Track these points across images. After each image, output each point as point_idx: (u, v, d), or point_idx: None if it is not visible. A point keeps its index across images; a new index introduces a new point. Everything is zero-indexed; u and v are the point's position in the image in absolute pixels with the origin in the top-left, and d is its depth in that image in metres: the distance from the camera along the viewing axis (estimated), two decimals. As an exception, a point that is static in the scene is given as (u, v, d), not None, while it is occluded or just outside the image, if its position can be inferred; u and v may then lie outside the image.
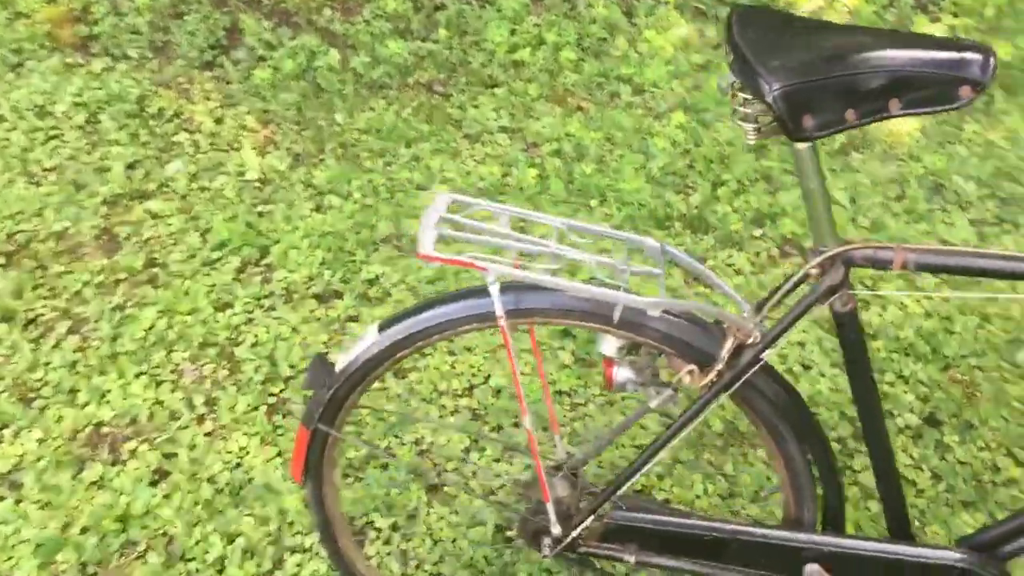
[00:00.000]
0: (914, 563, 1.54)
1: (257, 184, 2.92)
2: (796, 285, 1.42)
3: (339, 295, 2.59)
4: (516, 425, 2.28)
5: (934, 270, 1.35)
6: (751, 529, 1.57)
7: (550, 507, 1.55)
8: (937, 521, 2.12)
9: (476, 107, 3.27)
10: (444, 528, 2.07)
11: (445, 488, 2.14)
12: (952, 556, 1.53)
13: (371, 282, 2.62)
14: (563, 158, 3.06)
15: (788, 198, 2.93)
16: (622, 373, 1.52)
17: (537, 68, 3.44)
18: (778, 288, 1.46)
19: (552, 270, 1.36)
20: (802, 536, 1.55)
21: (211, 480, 2.13)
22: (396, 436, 2.24)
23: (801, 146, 1.28)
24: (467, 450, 2.22)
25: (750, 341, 1.39)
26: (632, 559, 1.59)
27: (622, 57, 3.50)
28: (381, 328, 1.52)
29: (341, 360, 1.55)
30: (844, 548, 1.55)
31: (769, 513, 2.12)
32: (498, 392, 2.34)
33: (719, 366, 1.40)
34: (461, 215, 1.42)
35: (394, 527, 2.07)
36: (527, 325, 1.46)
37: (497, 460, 2.20)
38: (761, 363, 1.41)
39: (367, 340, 1.52)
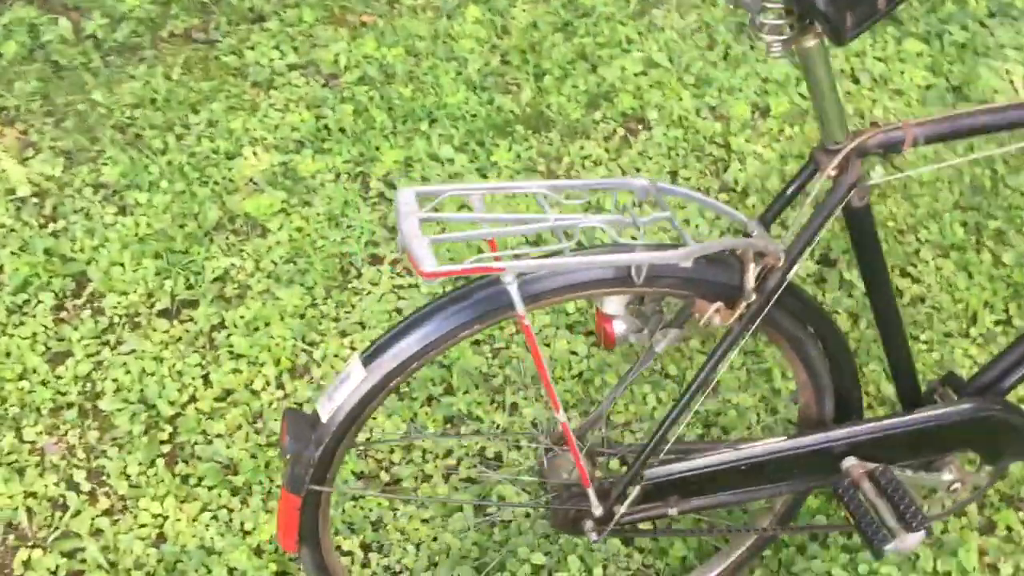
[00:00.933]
0: (934, 426, 1.54)
1: (35, 200, 2.45)
2: (801, 188, 1.32)
3: (192, 304, 2.24)
4: (449, 393, 2.09)
5: (942, 139, 1.29)
6: (785, 444, 1.51)
7: (591, 491, 1.41)
8: (872, 359, 2.17)
9: (251, 48, 2.88)
10: (419, 528, 1.88)
11: (402, 484, 1.95)
12: (964, 408, 1.55)
13: (221, 279, 2.29)
14: (372, 85, 2.77)
15: (612, 73, 2.82)
16: (623, 326, 1.38)
17: (301, -11, 3.08)
18: (782, 198, 1.35)
19: (564, 249, 1.18)
20: (834, 433, 1.51)
21: (138, 566, 1.81)
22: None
23: (812, 44, 1.15)
24: (406, 434, 2.02)
25: (779, 264, 1.29)
26: (675, 511, 1.49)
27: (387, -43, 3.19)
28: (366, 361, 1.28)
29: (324, 409, 1.30)
30: (873, 432, 1.52)
31: (723, 403, 2.09)
32: (412, 361, 2.14)
33: (750, 297, 1.29)
34: (429, 209, 1.20)
35: (364, 545, 1.86)
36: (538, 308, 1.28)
37: (443, 433, 2.02)
38: (787, 283, 1.31)
39: (352, 379, 1.28)
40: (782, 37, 1.14)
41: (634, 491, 1.42)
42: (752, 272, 1.28)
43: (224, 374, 2.10)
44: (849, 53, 2.94)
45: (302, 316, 2.21)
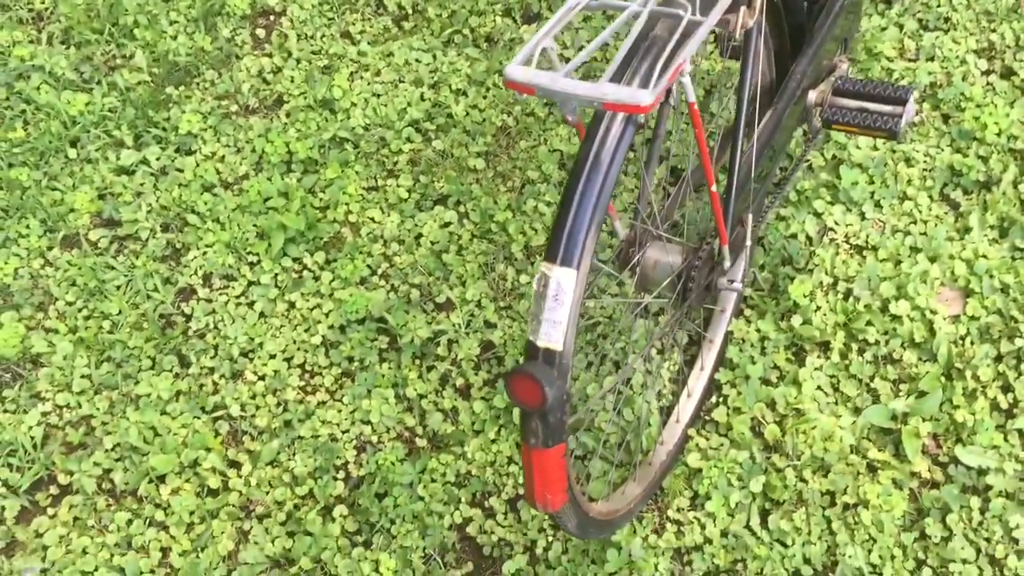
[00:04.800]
0: (832, 26, 1.71)
1: None
2: None
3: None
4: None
5: None
6: (773, 113, 1.59)
7: (726, 249, 1.41)
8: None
9: None
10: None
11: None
12: None
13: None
14: None
15: None
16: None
17: None
18: None
19: (684, 20, 1.12)
20: (790, 84, 1.61)
21: None
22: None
23: None
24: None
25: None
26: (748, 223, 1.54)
27: None
28: (564, 260, 1.13)
29: (552, 337, 1.14)
30: (810, 60, 1.64)
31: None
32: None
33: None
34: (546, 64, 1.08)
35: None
36: None
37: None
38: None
39: (564, 287, 1.13)
40: None
41: (748, 219, 1.45)
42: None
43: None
44: None
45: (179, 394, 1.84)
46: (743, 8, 1.32)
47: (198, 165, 2.15)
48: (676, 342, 1.79)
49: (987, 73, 2.14)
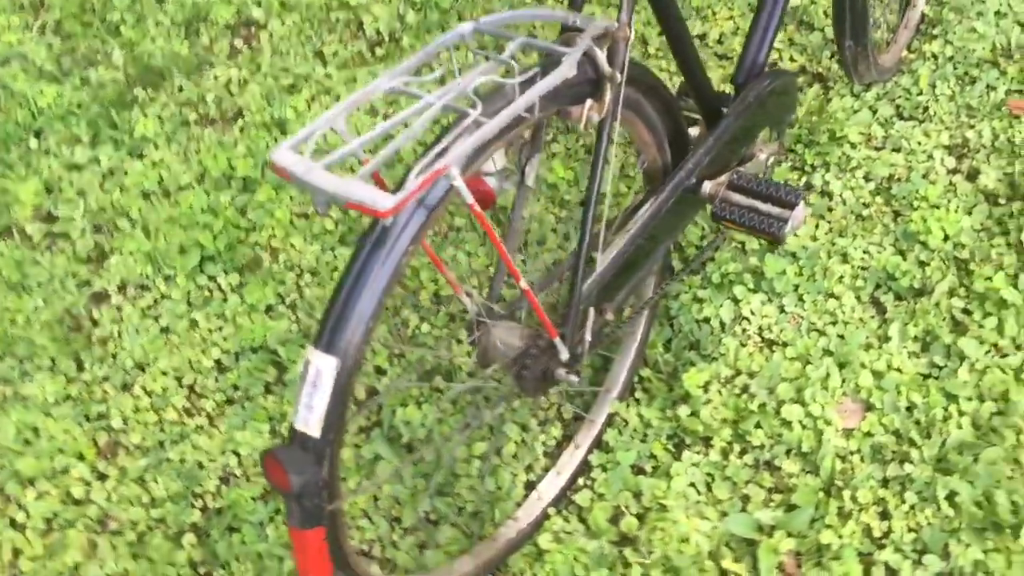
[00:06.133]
0: (746, 117, 1.63)
1: None
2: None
3: None
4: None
5: None
6: (658, 201, 1.53)
7: (558, 341, 1.36)
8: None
9: None
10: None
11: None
12: (761, 86, 1.65)
13: None
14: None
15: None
16: (495, 180, 1.32)
17: None
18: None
19: (471, 119, 1.09)
20: (681, 173, 1.54)
21: None
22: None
23: None
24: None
25: (621, 35, 1.27)
26: (610, 315, 1.49)
27: None
28: (327, 348, 1.11)
29: (309, 422, 1.12)
30: (709, 150, 1.57)
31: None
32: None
33: (614, 78, 1.27)
34: (311, 154, 1.05)
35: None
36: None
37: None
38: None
39: (324, 375, 1.11)
40: None
41: (591, 314, 1.40)
42: (603, 54, 1.26)
43: None
44: None
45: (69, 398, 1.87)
46: (589, 101, 1.27)
47: (143, 170, 2.18)
48: (560, 416, 1.74)
49: (953, 172, 2.02)
